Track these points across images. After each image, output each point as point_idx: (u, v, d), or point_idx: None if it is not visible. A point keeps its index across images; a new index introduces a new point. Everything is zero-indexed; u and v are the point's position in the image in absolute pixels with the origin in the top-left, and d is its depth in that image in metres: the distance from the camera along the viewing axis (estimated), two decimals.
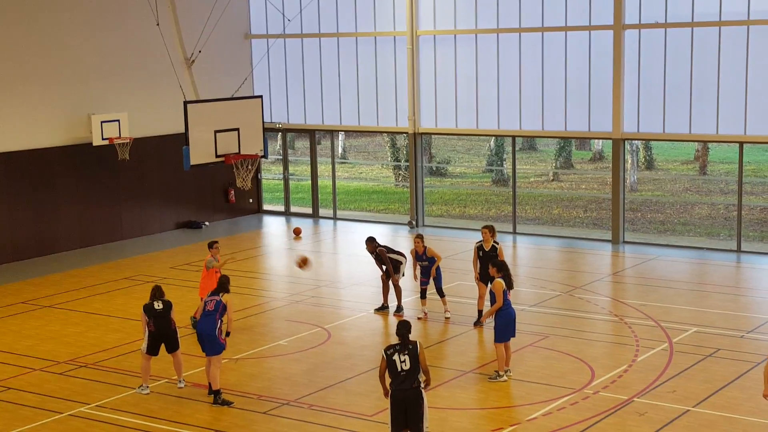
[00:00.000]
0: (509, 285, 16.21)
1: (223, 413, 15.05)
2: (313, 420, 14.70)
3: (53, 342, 19.06)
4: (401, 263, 20.15)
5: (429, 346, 17.82)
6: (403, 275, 20.31)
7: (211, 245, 19.19)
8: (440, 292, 19.75)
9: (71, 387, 16.45)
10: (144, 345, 15.92)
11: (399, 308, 20.12)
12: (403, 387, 12.28)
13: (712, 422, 14.18)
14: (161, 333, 15.83)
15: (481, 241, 18.98)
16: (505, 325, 16.07)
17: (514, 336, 16.28)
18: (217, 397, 15.38)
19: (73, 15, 27.31)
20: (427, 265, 19.64)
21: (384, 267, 20.13)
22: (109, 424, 14.78)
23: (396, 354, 12.34)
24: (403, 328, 12.56)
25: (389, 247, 20.41)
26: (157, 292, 16.01)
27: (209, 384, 15.62)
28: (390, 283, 20.17)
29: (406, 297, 20.59)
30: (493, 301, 16.16)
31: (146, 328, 15.86)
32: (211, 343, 15.38)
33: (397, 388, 12.31)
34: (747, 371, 16.26)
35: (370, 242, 20.10)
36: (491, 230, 18.96)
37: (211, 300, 15.56)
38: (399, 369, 12.28)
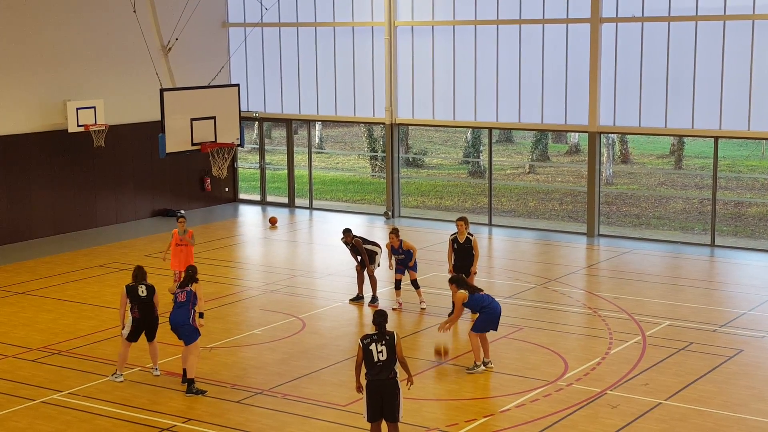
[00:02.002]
0: (471, 290, 16.21)
1: (197, 402, 15.02)
2: (287, 409, 14.70)
3: (26, 329, 18.96)
4: (376, 254, 20.18)
5: (404, 337, 17.83)
6: (378, 266, 20.34)
7: (177, 218, 20.44)
8: (415, 283, 19.79)
9: (44, 374, 16.37)
10: (126, 331, 15.80)
11: (374, 299, 20.14)
12: (380, 377, 12.27)
13: (684, 415, 14.27)
14: (145, 320, 15.76)
15: (455, 233, 19.01)
16: (487, 321, 16.10)
17: (495, 330, 16.31)
18: (190, 386, 15.34)
19: (49, 0, 27.09)
20: (404, 258, 19.70)
21: (359, 257, 20.16)
22: (82, 411, 14.71)
23: (373, 344, 12.30)
24: (380, 317, 12.54)
25: (365, 238, 20.42)
26: (139, 274, 15.88)
27: (183, 372, 15.59)
28: (365, 273, 20.19)
29: (381, 288, 20.59)
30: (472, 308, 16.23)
31: (129, 314, 15.71)
32: (187, 332, 15.36)
33: (374, 378, 12.30)
34: (719, 365, 16.37)
35: (347, 233, 20.11)
36: (466, 222, 19.02)
37: (182, 292, 15.47)
38: (376, 359, 12.26)
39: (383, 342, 12.32)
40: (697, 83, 25.12)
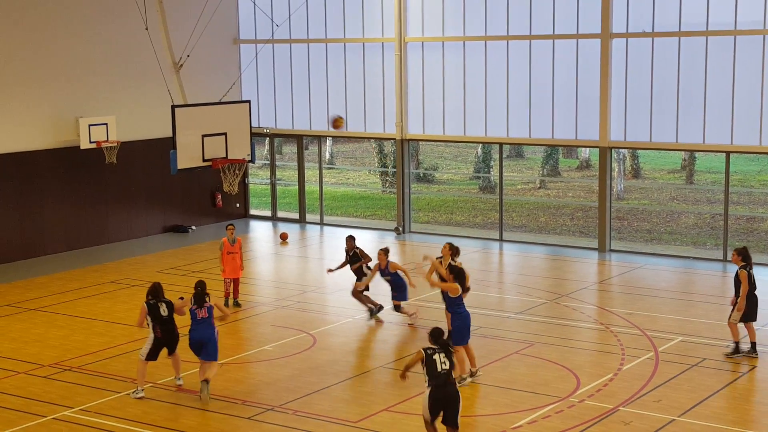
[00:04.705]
0: (464, 288, 16.21)
1: (208, 418, 15.01)
2: (298, 426, 14.67)
3: (38, 345, 18.98)
4: (366, 275, 20.06)
5: (406, 356, 17.76)
6: (367, 289, 20.15)
7: (226, 227, 21.36)
8: (397, 308, 19.61)
9: (55, 390, 16.38)
10: (144, 351, 15.86)
11: (376, 309, 19.99)
12: (445, 385, 12.95)
13: None
14: (166, 339, 15.87)
15: (441, 257, 18.44)
16: (461, 328, 16.08)
17: (468, 340, 16.27)
18: (205, 384, 15.53)
19: (61, 18, 27.24)
20: (390, 279, 19.55)
21: (349, 264, 20.12)
22: (93, 428, 14.71)
23: (436, 354, 13.05)
24: (440, 335, 13.28)
25: (365, 254, 20.28)
26: (160, 293, 15.93)
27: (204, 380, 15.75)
28: (360, 287, 20.02)
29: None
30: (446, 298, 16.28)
31: (150, 332, 15.80)
32: (211, 348, 15.60)
33: (439, 386, 12.92)
34: (732, 381, 16.31)
35: (350, 240, 20.14)
36: (452, 249, 18.14)
37: (202, 309, 15.61)
38: (439, 369, 12.94)
39: (445, 353, 13.08)
40: (708, 98, 25.09)
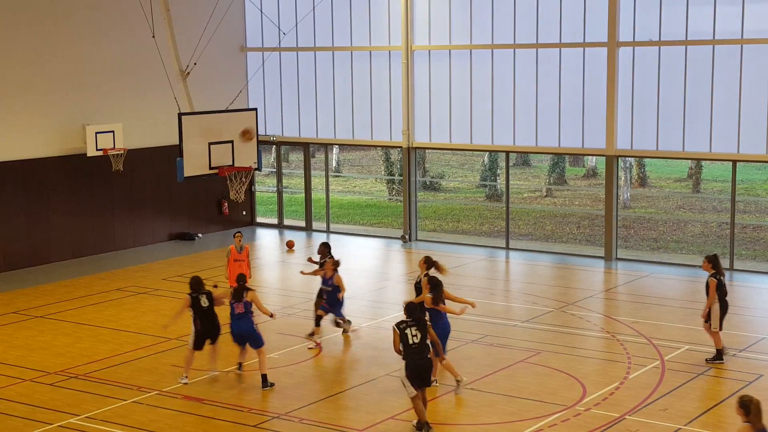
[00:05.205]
0: (438, 299, 16.21)
1: (214, 426, 15.00)
2: None
3: (44, 352, 19.00)
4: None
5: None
6: (341, 300, 19.93)
7: (234, 234, 21.59)
8: (341, 317, 19.43)
9: (61, 398, 16.39)
10: (191, 342, 16.75)
11: (345, 321, 19.91)
12: (418, 358, 14.11)
13: None
14: (207, 330, 16.72)
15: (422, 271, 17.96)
16: (441, 338, 15.97)
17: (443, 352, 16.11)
18: (265, 381, 16.54)
19: (68, 26, 27.32)
20: (331, 290, 19.18)
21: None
22: None
23: (408, 328, 14.18)
24: (414, 310, 14.44)
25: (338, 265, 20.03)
26: (200, 285, 16.77)
27: (263, 377, 16.59)
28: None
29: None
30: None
31: (192, 325, 16.66)
32: (254, 338, 16.67)
33: (414, 362, 14.09)
34: (738, 390, 16.26)
35: (325, 247, 20.05)
36: (427, 262, 17.54)
37: (238, 304, 16.52)
38: (411, 342, 14.10)
39: (416, 327, 14.19)
40: (715, 107, 25.07)
